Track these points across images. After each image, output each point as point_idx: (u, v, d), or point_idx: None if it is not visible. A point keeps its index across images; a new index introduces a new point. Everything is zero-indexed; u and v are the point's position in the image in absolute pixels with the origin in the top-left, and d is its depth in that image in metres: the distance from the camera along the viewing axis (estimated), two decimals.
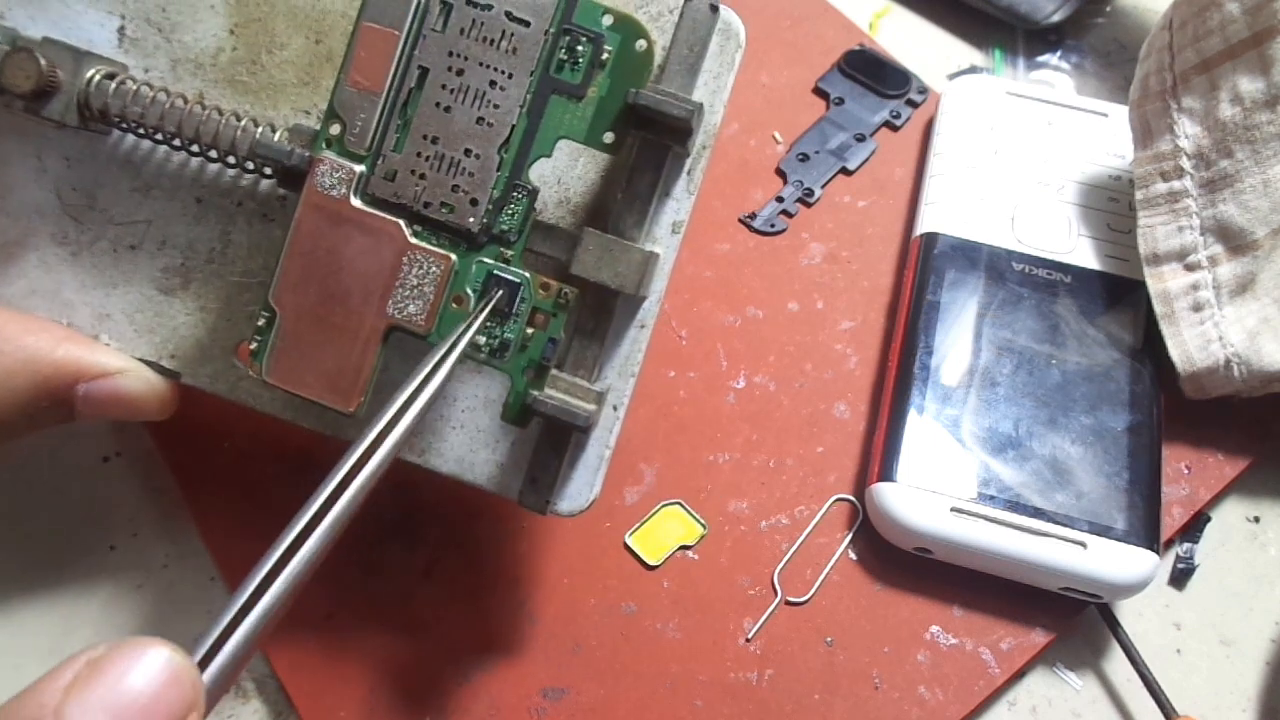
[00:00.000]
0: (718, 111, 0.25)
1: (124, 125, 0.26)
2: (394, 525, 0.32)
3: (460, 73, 0.24)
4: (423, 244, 0.25)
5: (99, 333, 0.28)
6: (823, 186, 0.39)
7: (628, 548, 0.32)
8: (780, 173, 0.39)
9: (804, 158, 0.40)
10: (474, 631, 0.30)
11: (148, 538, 0.32)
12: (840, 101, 0.41)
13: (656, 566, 0.32)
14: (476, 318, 0.25)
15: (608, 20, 0.24)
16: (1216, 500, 0.34)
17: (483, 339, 0.25)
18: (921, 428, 0.32)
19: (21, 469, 0.33)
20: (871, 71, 0.41)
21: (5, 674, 0.30)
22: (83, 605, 0.31)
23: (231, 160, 0.26)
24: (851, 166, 0.39)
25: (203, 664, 0.18)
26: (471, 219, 0.25)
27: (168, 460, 0.33)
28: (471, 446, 0.26)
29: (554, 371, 0.25)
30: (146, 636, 0.18)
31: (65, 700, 0.17)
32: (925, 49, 0.44)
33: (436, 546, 0.32)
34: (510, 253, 0.25)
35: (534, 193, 0.25)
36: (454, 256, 0.25)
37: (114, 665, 0.17)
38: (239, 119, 0.26)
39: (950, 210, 0.36)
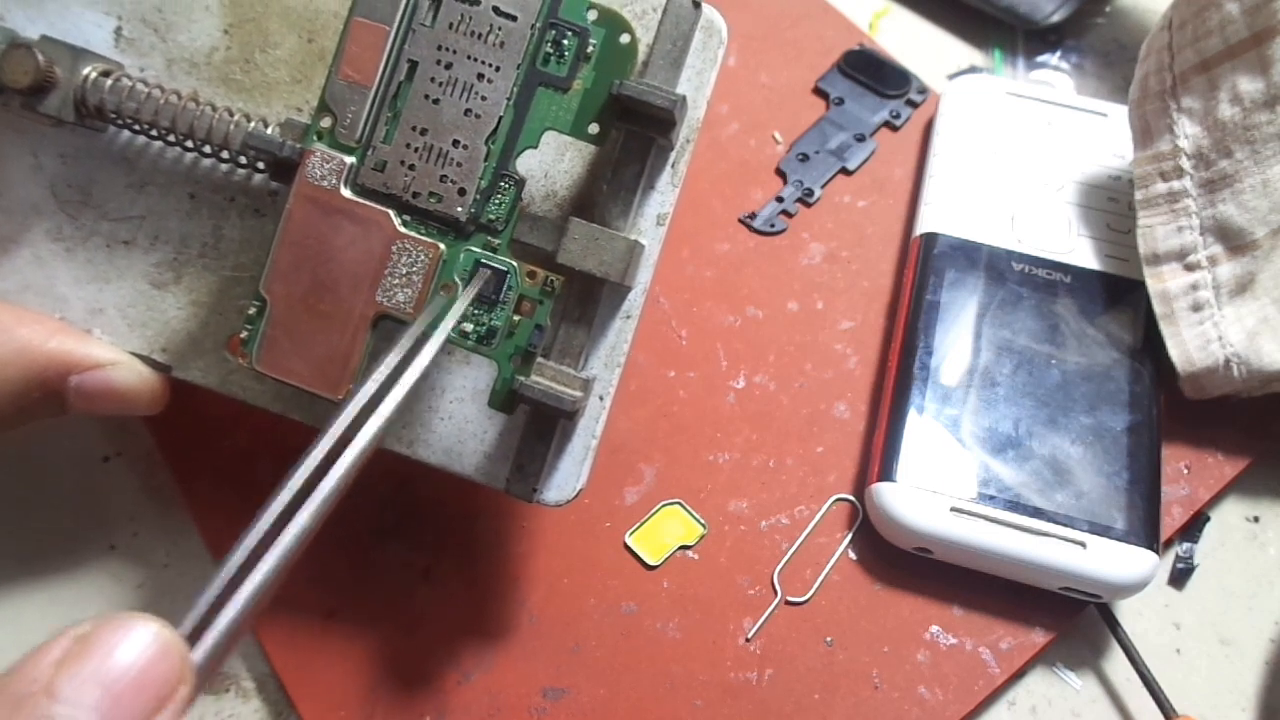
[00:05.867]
0: (700, 106, 0.26)
1: (119, 121, 0.26)
2: (394, 525, 0.32)
3: (449, 66, 0.25)
4: (411, 233, 0.25)
5: (92, 327, 0.28)
6: (823, 186, 0.39)
7: (628, 548, 0.32)
8: (780, 173, 0.39)
9: (804, 158, 0.40)
10: (474, 631, 0.30)
11: (148, 538, 0.32)
12: (840, 101, 0.41)
13: (656, 566, 0.32)
14: (464, 301, 0.25)
15: (592, 15, 0.25)
16: (1216, 500, 0.34)
17: (470, 326, 0.26)
18: (921, 428, 0.32)
19: (22, 470, 0.33)
20: (871, 71, 0.41)
21: None
22: (83, 605, 0.31)
23: (225, 155, 0.26)
24: (851, 166, 0.39)
25: (191, 639, 0.18)
26: (459, 208, 0.25)
27: (168, 460, 0.33)
28: (459, 437, 0.26)
29: (540, 359, 0.25)
30: (133, 612, 0.18)
31: (56, 675, 0.17)
32: (925, 49, 0.44)
33: (436, 546, 0.32)
34: (498, 241, 0.25)
35: (521, 182, 0.25)
36: (442, 245, 0.25)
37: (103, 640, 0.18)
38: (232, 114, 0.26)
39: (950, 210, 0.36)
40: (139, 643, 0.18)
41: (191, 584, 0.32)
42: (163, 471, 0.33)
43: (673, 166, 0.26)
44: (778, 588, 0.31)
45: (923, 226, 0.36)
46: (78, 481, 0.33)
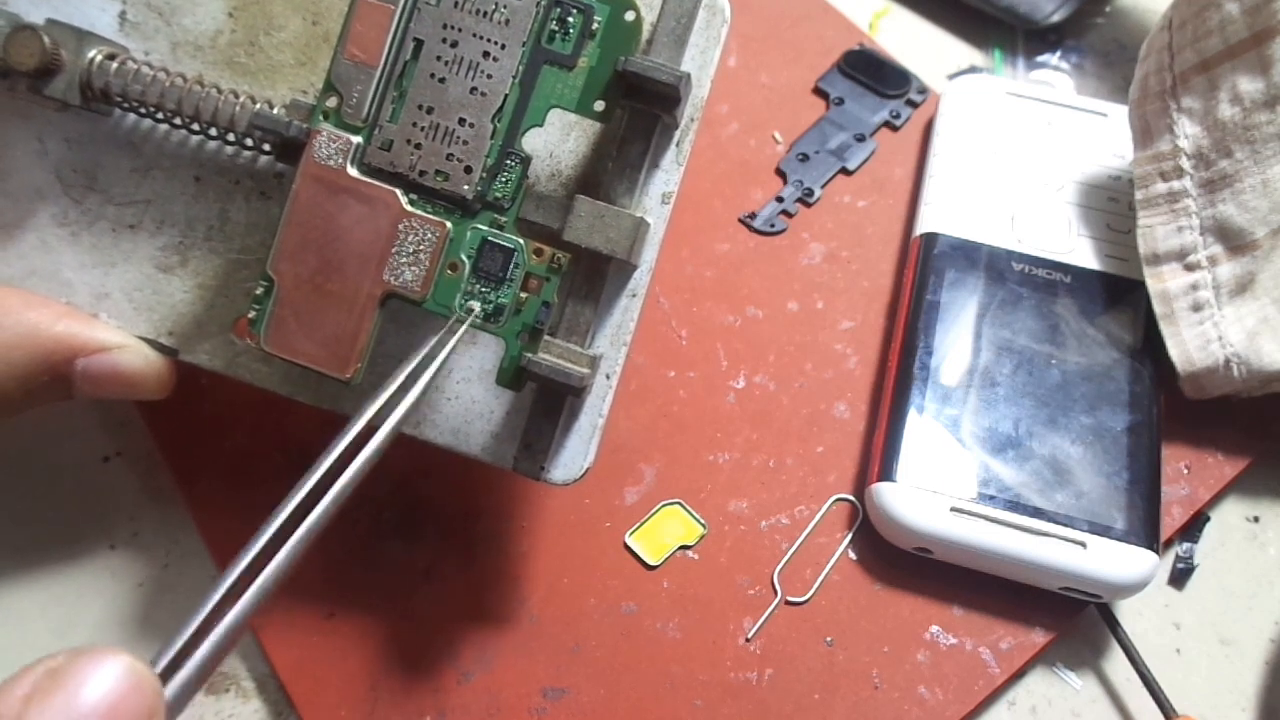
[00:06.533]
0: (704, 85, 0.26)
1: (125, 104, 0.26)
2: (394, 524, 0.32)
3: (454, 44, 0.25)
4: (418, 211, 0.25)
5: (98, 311, 0.28)
6: (823, 186, 0.39)
7: (628, 548, 0.32)
8: (780, 173, 0.39)
9: (804, 158, 0.40)
10: (474, 631, 0.30)
11: (148, 538, 0.32)
12: (840, 101, 0.41)
13: (656, 566, 0.32)
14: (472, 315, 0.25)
15: None
16: (1216, 500, 0.34)
17: (477, 304, 0.26)
18: (921, 428, 0.32)
19: (22, 470, 0.33)
20: (871, 71, 0.41)
21: (6, 674, 0.30)
22: (83, 605, 0.31)
23: (230, 137, 0.26)
24: (851, 166, 0.39)
25: (169, 670, 0.18)
26: (466, 186, 0.25)
27: (168, 460, 0.33)
28: (466, 418, 0.26)
29: (547, 337, 0.25)
30: (105, 645, 0.18)
31: (25, 711, 0.17)
32: (925, 49, 0.44)
33: (436, 546, 0.32)
34: (504, 219, 0.26)
35: (527, 160, 0.25)
36: (449, 224, 0.25)
37: (73, 675, 0.17)
38: (237, 96, 0.26)
39: (950, 210, 0.36)
40: (109, 677, 0.17)
41: (191, 583, 0.32)
42: (163, 471, 0.33)
43: (677, 145, 0.26)
44: (778, 588, 0.31)
45: (923, 226, 0.36)
46: (78, 481, 0.33)
